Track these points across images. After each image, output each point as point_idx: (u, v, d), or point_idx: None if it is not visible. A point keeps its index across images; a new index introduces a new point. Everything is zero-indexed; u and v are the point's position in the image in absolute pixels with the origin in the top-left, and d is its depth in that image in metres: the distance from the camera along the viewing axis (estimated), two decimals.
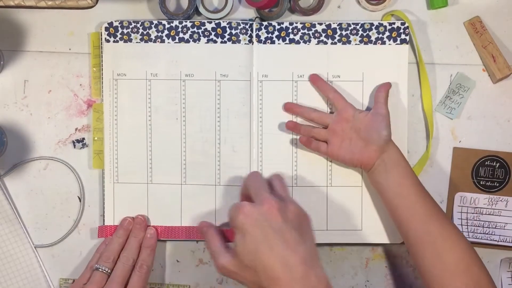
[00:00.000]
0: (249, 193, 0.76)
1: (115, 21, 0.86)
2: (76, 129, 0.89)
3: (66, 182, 0.88)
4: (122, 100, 0.87)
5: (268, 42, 0.86)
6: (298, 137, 0.86)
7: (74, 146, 0.89)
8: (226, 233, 0.80)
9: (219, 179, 0.86)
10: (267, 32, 0.86)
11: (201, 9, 0.87)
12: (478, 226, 0.87)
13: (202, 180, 0.87)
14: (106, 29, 0.86)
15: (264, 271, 0.69)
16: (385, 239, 0.86)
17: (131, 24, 0.86)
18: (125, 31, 0.86)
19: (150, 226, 0.86)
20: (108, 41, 0.86)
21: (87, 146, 0.88)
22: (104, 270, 0.81)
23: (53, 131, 0.89)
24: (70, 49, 0.89)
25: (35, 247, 0.88)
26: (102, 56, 0.87)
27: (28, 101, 0.89)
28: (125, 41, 0.86)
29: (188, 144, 0.86)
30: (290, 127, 0.85)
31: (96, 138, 0.87)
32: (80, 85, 0.89)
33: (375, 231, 0.86)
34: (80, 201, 0.88)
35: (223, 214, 0.86)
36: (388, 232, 0.86)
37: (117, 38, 0.86)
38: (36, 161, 0.88)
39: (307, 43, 0.86)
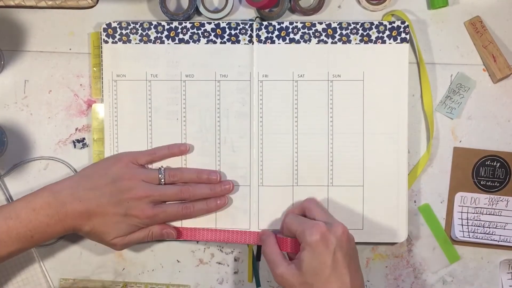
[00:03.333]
0: (310, 213, 0.80)
1: (114, 22, 0.86)
2: (76, 129, 0.89)
3: None
4: (122, 101, 0.87)
5: (268, 42, 0.86)
6: (298, 136, 0.86)
7: (75, 146, 0.89)
8: (280, 242, 0.80)
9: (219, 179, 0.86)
10: (267, 32, 0.86)
11: (201, 9, 0.87)
12: (478, 226, 0.87)
13: None
14: (104, 30, 0.86)
15: None
16: (386, 239, 0.86)
17: (130, 25, 0.86)
18: (123, 32, 0.86)
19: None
20: (106, 42, 0.86)
21: (87, 146, 0.88)
22: (162, 181, 0.82)
23: (53, 131, 0.89)
24: (70, 49, 0.89)
25: (35, 247, 0.88)
26: (101, 56, 0.87)
27: (28, 101, 0.89)
28: (124, 42, 0.86)
29: (188, 144, 0.86)
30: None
31: (96, 139, 0.87)
32: (81, 85, 0.89)
33: (376, 230, 0.86)
34: None
35: (222, 214, 0.86)
36: (389, 231, 0.86)
37: (116, 39, 0.86)
38: (37, 161, 0.89)
39: (307, 42, 0.86)
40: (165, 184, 0.83)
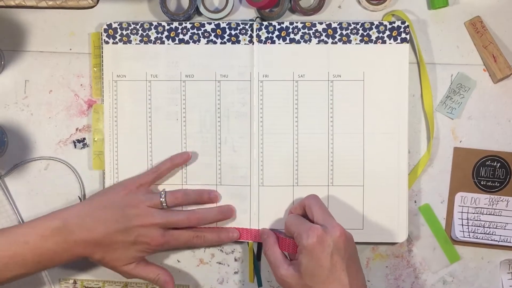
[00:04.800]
0: (310, 212, 0.80)
1: (114, 23, 0.86)
2: (76, 129, 0.89)
3: (67, 182, 0.88)
4: (122, 101, 0.87)
5: (268, 42, 0.86)
6: (298, 136, 0.86)
7: (75, 146, 0.89)
8: (281, 242, 0.81)
9: (220, 179, 0.86)
10: (268, 32, 0.86)
11: (201, 9, 0.87)
12: (478, 226, 0.87)
13: (202, 180, 0.87)
14: (105, 30, 0.86)
15: None
16: (386, 238, 0.86)
17: (131, 26, 0.86)
18: (124, 32, 0.86)
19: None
20: (107, 42, 0.86)
21: (87, 146, 0.88)
22: (164, 205, 0.82)
23: (54, 131, 0.89)
24: (70, 49, 0.89)
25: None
26: (102, 57, 0.87)
27: (28, 101, 0.89)
28: (125, 43, 0.86)
29: (189, 144, 0.86)
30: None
31: (96, 139, 0.88)
32: (81, 85, 0.89)
33: (376, 230, 0.86)
34: (80, 201, 0.88)
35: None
36: (389, 231, 0.86)
37: (116, 40, 0.86)
38: (37, 161, 0.89)
39: (308, 42, 0.86)
40: (167, 206, 0.83)
